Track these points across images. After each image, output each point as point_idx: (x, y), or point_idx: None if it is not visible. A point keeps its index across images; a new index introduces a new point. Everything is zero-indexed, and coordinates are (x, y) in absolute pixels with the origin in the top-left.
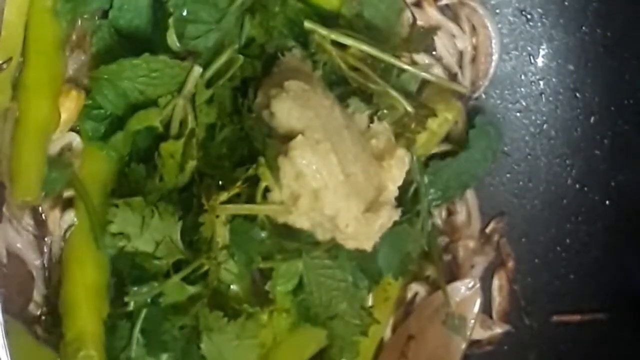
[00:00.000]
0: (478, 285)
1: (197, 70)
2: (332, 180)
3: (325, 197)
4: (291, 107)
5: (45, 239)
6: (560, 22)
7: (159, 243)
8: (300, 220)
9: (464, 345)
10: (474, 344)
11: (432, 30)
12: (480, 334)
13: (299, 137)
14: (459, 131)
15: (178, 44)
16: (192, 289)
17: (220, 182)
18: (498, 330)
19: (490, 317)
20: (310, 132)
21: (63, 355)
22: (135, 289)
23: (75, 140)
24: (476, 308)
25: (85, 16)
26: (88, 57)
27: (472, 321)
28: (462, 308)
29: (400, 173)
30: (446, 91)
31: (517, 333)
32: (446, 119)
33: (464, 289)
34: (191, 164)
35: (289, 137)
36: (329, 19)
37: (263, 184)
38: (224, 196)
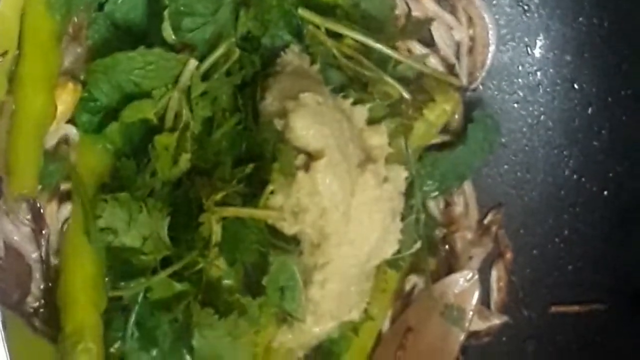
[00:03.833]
0: (476, 276)
1: (193, 63)
2: (344, 201)
3: (331, 217)
4: (310, 124)
5: (43, 232)
6: (557, 13)
7: (146, 239)
8: (289, 226)
9: (462, 337)
10: (472, 335)
11: (427, 20)
12: (478, 325)
13: (325, 159)
14: (456, 122)
15: (174, 37)
16: (179, 286)
17: (214, 180)
18: (496, 321)
19: (489, 308)
20: (330, 153)
21: (62, 348)
22: (123, 283)
23: (72, 132)
24: (474, 299)
25: (81, 8)
26: (84, 50)
27: (471, 313)
28: (460, 300)
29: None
30: (444, 82)
31: (515, 324)
32: (444, 110)
33: (462, 281)
34: (185, 157)
35: (305, 151)
36: (325, 11)
37: (270, 189)
38: (219, 196)
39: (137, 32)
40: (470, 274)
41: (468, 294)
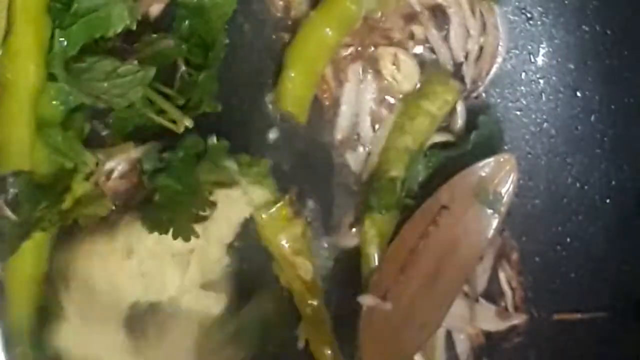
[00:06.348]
0: (513, 160)
1: None
2: None
3: None
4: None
5: None
6: (560, 21)
7: None
8: None
9: (497, 222)
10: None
11: None
12: (498, 325)
13: None
14: (459, 128)
15: None
16: None
17: None
18: (516, 321)
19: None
20: None
21: None
22: None
23: None
24: (510, 183)
25: None
26: None
27: (506, 196)
28: (495, 184)
29: None
30: (444, 73)
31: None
32: (445, 100)
33: (497, 164)
34: None
35: None
36: None
37: None
38: None
39: None
40: (506, 156)
41: (504, 177)
